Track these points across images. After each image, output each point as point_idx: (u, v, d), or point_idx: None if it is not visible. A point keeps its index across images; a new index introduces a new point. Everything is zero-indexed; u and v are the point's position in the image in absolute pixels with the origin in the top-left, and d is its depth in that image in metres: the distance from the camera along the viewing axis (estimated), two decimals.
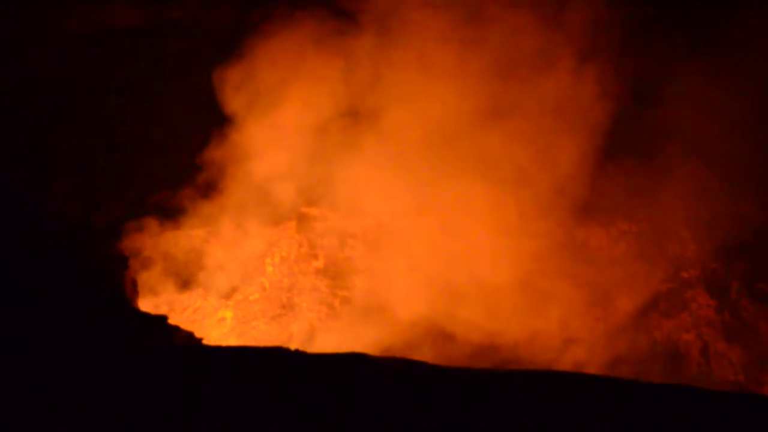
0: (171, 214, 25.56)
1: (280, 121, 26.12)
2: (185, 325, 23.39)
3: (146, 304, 24.61)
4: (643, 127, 26.53)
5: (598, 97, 26.06)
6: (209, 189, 25.97)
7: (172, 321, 21.44)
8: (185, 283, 25.77)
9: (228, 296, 26.29)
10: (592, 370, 24.99)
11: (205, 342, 20.68)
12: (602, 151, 26.14)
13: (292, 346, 19.90)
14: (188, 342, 20.37)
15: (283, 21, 26.17)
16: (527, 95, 26.14)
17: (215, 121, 26.04)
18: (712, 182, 26.15)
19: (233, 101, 25.91)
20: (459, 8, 26.51)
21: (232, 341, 25.65)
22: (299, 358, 18.73)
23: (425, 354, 24.58)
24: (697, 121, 26.03)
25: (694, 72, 25.78)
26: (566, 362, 25.68)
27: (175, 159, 26.07)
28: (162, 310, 24.73)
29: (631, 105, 26.56)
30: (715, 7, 26.76)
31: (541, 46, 26.16)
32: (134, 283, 24.81)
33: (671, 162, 26.32)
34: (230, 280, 26.20)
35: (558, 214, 26.37)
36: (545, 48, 26.16)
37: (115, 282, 23.09)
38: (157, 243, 25.51)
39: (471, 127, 26.05)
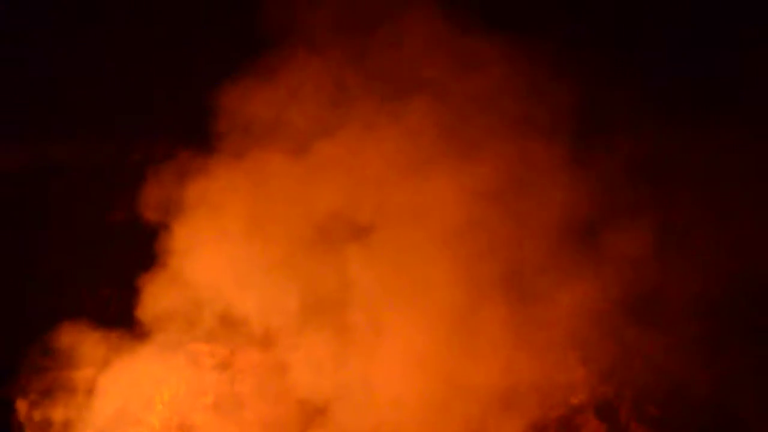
0: (57, 353, 26.06)
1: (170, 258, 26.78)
2: None
3: None
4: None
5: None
6: (95, 327, 26.53)
7: None
8: (68, 424, 26.12)
9: None
10: None
11: None
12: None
13: None
14: None
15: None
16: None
17: (102, 258, 26.85)
18: (600, 306, 26.96)
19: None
20: None
21: None
22: None
23: None
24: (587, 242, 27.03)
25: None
26: None
27: (58, 299, 26.74)
28: None
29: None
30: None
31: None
32: (20, 427, 25.27)
33: (554, 286, 27.19)
34: (118, 420, 26.54)
35: (440, 349, 26.95)
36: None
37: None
38: (42, 383, 25.93)
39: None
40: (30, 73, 27.16)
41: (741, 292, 26.94)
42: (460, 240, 26.63)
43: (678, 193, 27.31)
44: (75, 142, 27.76)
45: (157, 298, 26.50)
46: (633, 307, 26.91)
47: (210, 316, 27.00)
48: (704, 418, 26.45)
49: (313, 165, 26.40)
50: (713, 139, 27.18)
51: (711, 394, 26.50)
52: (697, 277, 26.69)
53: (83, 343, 26.42)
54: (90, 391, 26.34)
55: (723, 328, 26.93)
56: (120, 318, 26.62)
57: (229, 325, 27.12)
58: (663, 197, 27.31)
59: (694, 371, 26.60)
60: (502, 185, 26.58)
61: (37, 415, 25.89)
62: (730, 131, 26.97)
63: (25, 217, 27.41)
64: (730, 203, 27.36)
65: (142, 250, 26.26)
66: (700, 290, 26.71)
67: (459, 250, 26.56)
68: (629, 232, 26.54)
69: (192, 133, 26.26)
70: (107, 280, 27.07)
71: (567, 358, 27.52)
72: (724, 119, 26.60)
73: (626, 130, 27.10)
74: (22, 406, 25.73)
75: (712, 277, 26.74)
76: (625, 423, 27.07)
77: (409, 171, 26.43)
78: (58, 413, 26.00)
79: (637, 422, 27.09)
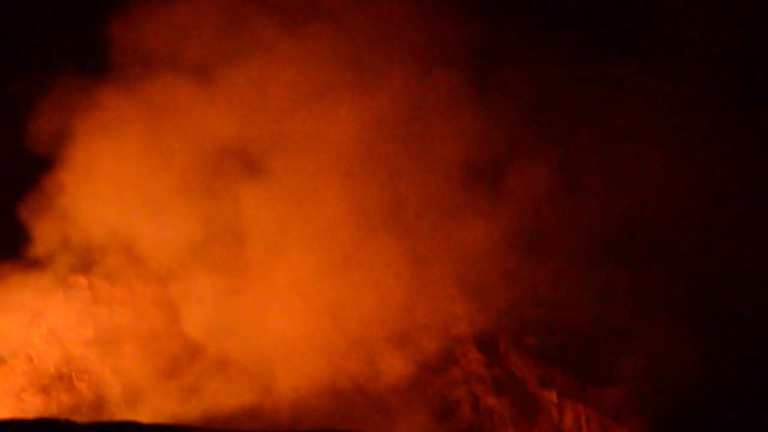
0: None
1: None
2: None
3: None
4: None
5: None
6: None
7: None
8: None
9: None
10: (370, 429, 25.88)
11: None
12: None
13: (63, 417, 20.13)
14: None
15: None
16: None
17: None
18: (483, 242, 27.22)
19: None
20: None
21: None
22: (69, 428, 19.08)
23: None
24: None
25: None
26: (340, 423, 26.52)
27: None
28: None
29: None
30: None
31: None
32: None
33: (440, 222, 27.39)
34: None
35: (327, 276, 27.07)
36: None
37: None
38: None
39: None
40: None
41: (626, 230, 27.59)
42: (355, 173, 26.65)
43: (574, 134, 27.75)
44: None
45: (40, 230, 26.13)
46: (518, 242, 27.25)
47: (97, 250, 26.72)
48: (580, 347, 26.98)
49: (211, 94, 26.08)
50: (611, 81, 27.69)
51: (587, 323, 27.08)
52: (585, 215, 27.21)
53: None
54: None
55: (604, 263, 27.52)
56: (3, 251, 26.13)
57: (114, 257, 26.89)
58: (559, 138, 27.69)
59: (571, 302, 27.12)
60: (401, 119, 26.63)
61: None
62: (628, 73, 27.52)
63: None
64: (622, 146, 27.96)
65: (29, 182, 25.87)
66: (587, 228, 27.26)
67: (354, 184, 26.57)
68: (526, 170, 26.85)
69: (83, 62, 25.73)
70: None
71: (449, 291, 27.81)
72: (623, 61, 27.12)
73: (526, 68, 27.36)
74: None
75: (600, 216, 27.33)
76: (504, 354, 27.47)
77: (308, 101, 26.30)
78: None
79: (515, 352, 27.49)
